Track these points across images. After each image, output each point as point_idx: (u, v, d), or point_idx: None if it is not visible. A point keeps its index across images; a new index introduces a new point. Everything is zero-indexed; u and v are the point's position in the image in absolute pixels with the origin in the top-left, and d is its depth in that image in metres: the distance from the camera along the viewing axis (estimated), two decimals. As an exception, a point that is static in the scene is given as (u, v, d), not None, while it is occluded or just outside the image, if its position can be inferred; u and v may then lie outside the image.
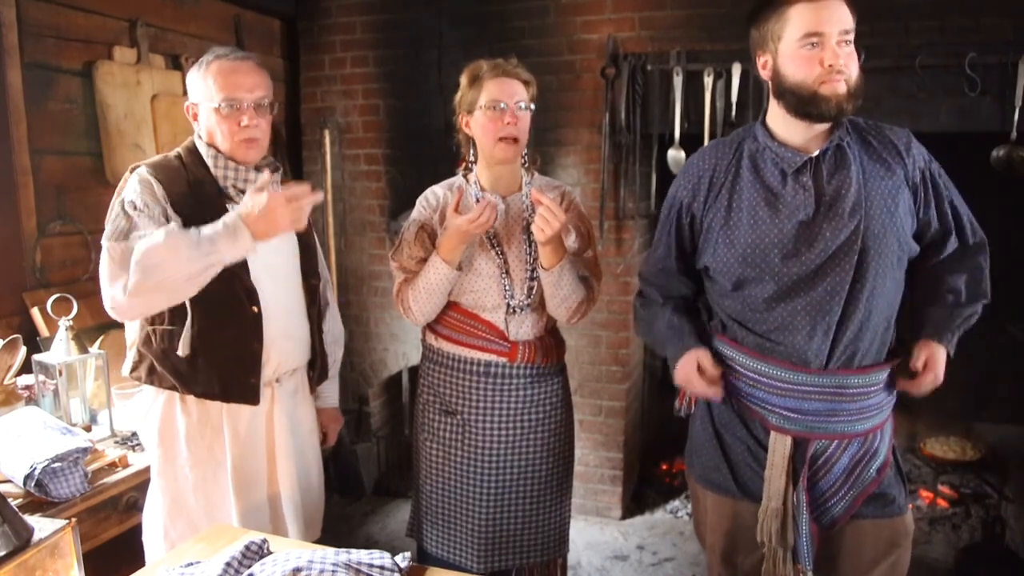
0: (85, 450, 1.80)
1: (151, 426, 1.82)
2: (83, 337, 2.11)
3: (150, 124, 2.78)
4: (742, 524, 1.73)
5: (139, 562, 1.64)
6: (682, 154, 2.98)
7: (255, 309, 1.78)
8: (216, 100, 1.73)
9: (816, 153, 1.59)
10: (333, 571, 1.26)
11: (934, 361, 1.62)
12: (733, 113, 2.89)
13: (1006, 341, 3.29)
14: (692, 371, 1.68)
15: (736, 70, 2.85)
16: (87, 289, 2.53)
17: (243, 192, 1.75)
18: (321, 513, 2.06)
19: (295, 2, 3.48)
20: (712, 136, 2.91)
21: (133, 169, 1.77)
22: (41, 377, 2.08)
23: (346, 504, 3.57)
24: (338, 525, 3.34)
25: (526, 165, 2.02)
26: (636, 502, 3.52)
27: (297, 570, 1.26)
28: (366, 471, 3.62)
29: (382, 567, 1.33)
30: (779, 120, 1.61)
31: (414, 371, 3.46)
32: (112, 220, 1.70)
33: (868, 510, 1.67)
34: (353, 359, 3.64)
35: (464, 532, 2.02)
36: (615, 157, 3.12)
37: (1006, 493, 3.23)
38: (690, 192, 1.71)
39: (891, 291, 1.62)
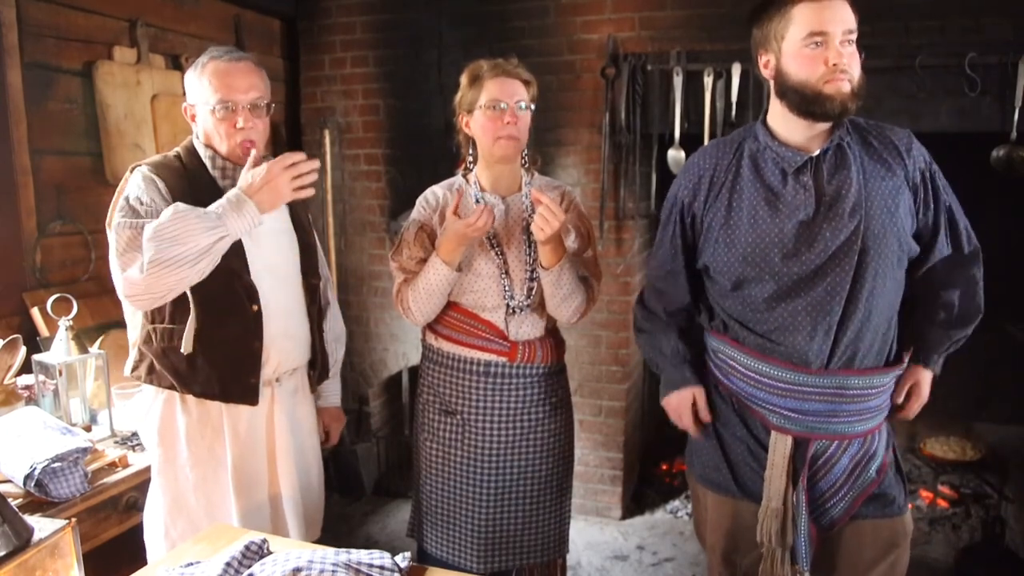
0: (85, 450, 1.80)
1: (151, 426, 1.82)
2: (83, 337, 2.11)
3: (150, 124, 2.79)
4: (742, 524, 1.73)
5: (139, 562, 1.64)
6: (682, 154, 2.98)
7: (255, 308, 1.78)
8: (211, 102, 1.73)
9: (817, 153, 1.59)
10: (333, 571, 1.26)
11: (919, 388, 1.74)
12: (733, 113, 2.89)
13: (1006, 341, 3.29)
14: (686, 407, 1.76)
15: (736, 70, 2.85)
16: (87, 289, 2.53)
17: None
18: (321, 513, 2.06)
19: (295, 2, 3.48)
20: (712, 136, 2.90)
21: (133, 168, 1.77)
22: (41, 377, 2.08)
23: (346, 504, 3.57)
24: (338, 525, 3.34)
25: (526, 165, 2.02)
26: (636, 502, 3.52)
27: (297, 570, 1.26)
28: (366, 471, 3.62)
29: (382, 567, 1.33)
30: (780, 119, 1.61)
31: (414, 371, 3.46)
32: (118, 210, 1.70)
33: (867, 510, 1.67)
34: (353, 359, 3.64)
35: (464, 532, 2.02)
36: (615, 157, 3.12)
37: (1006, 493, 3.23)
38: (691, 192, 1.71)
39: (891, 291, 1.62)
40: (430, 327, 2.04)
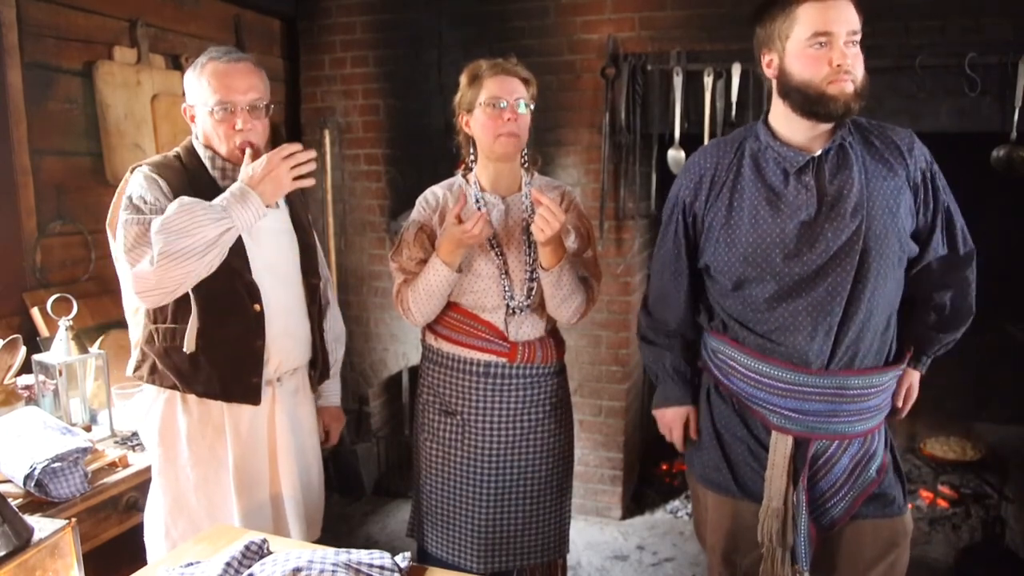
0: (85, 450, 1.80)
1: (152, 426, 1.82)
2: (83, 337, 2.11)
3: (150, 124, 2.78)
4: (743, 524, 1.73)
5: (139, 562, 1.64)
6: (682, 154, 2.98)
7: (257, 307, 1.78)
8: (210, 103, 1.73)
9: (818, 153, 1.59)
10: (333, 571, 1.26)
11: (912, 390, 1.81)
12: (733, 113, 2.89)
13: (1006, 341, 3.29)
14: (678, 424, 1.86)
15: (736, 70, 2.85)
16: (87, 289, 2.53)
17: None
18: (321, 513, 2.06)
19: (295, 2, 3.48)
20: (712, 136, 2.90)
21: (134, 169, 1.77)
22: (41, 377, 2.08)
23: (346, 504, 3.57)
24: (338, 525, 3.34)
25: (526, 165, 2.02)
26: (636, 502, 3.51)
27: (297, 570, 1.26)
28: (366, 471, 3.62)
29: (382, 567, 1.33)
30: (782, 119, 1.61)
31: (414, 371, 3.46)
32: (123, 209, 1.70)
33: (867, 510, 1.67)
34: (353, 359, 3.64)
35: (464, 532, 2.02)
36: (615, 157, 3.12)
37: (1006, 493, 3.23)
38: (691, 191, 1.71)
39: (892, 291, 1.62)
40: (430, 327, 2.04)
